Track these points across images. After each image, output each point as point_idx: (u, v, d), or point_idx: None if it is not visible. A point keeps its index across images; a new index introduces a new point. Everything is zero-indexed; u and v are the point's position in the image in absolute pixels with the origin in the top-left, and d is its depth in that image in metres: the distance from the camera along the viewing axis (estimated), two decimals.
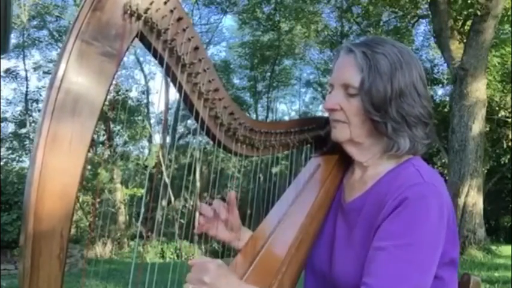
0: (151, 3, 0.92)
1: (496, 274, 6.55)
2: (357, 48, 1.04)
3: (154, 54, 0.97)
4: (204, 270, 0.91)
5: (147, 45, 0.96)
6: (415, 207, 0.94)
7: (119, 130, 19.03)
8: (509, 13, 10.71)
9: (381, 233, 0.95)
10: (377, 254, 0.93)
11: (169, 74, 1.01)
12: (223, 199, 1.22)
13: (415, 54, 1.09)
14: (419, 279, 0.91)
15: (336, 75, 1.08)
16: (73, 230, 15.64)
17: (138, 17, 0.91)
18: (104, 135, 16.90)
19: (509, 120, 13.89)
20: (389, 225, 0.95)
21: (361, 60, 1.02)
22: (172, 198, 16.69)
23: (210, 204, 1.17)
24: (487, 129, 12.60)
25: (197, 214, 1.16)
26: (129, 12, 0.89)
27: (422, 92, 1.03)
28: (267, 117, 22.76)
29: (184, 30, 0.98)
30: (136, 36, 0.92)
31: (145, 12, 0.91)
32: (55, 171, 0.81)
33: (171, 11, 0.95)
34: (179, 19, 0.97)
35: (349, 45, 1.07)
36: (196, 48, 1.01)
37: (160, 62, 0.98)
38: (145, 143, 22.12)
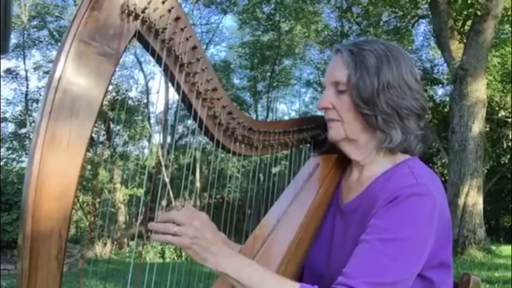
0: (149, 3, 0.92)
1: (496, 274, 6.54)
2: (344, 47, 1.07)
3: (153, 53, 0.97)
4: (195, 215, 0.92)
5: (145, 45, 0.96)
6: (405, 205, 0.94)
7: (119, 130, 19.02)
8: (509, 13, 10.70)
9: (369, 228, 0.95)
10: (361, 246, 0.93)
11: (167, 73, 1.01)
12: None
13: (406, 52, 1.10)
14: (398, 275, 0.90)
15: (326, 76, 1.11)
16: (73, 230, 15.65)
17: (136, 17, 0.91)
18: (103, 135, 16.90)
19: (509, 120, 13.89)
20: (378, 220, 0.95)
21: (348, 57, 1.05)
22: (172, 198, 16.68)
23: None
24: (487, 129, 12.60)
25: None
26: (126, 11, 0.89)
27: (414, 85, 1.04)
28: (267, 117, 22.74)
29: (182, 29, 0.98)
30: (134, 35, 0.92)
31: (143, 12, 0.91)
32: (53, 172, 0.81)
33: (169, 11, 0.95)
34: (177, 19, 0.97)
35: (337, 46, 1.10)
36: (194, 47, 1.01)
37: (159, 61, 0.98)
38: (145, 143, 22.12)
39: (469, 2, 9.37)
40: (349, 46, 1.07)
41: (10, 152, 19.10)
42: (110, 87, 0.88)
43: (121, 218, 17.55)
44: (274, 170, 1.36)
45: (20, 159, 18.70)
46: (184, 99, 1.04)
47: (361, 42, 1.07)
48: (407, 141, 1.04)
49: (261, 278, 0.90)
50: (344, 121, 1.07)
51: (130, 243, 14.96)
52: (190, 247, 0.89)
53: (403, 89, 1.03)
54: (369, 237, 0.93)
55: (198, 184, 17.00)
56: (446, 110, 13.78)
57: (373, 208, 0.98)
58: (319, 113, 1.19)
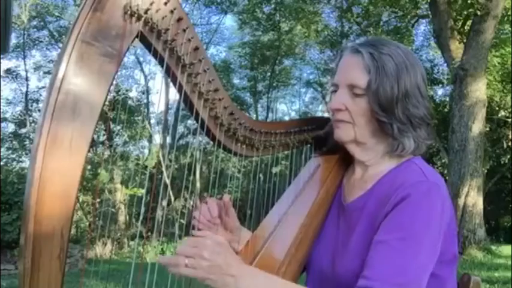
0: (151, 4, 0.92)
1: (496, 274, 6.55)
2: (364, 48, 1.04)
3: (155, 54, 0.97)
4: (202, 244, 0.87)
5: (147, 46, 0.96)
6: (418, 204, 0.94)
7: (119, 130, 19.02)
8: (509, 13, 10.72)
9: (383, 228, 0.96)
10: (377, 247, 0.94)
11: (169, 74, 1.01)
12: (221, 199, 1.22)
13: (416, 56, 1.09)
14: (417, 273, 0.91)
15: (341, 76, 1.07)
16: (73, 230, 15.63)
17: (139, 18, 0.91)
18: (104, 135, 16.90)
19: (509, 120, 13.90)
20: (391, 219, 0.95)
21: (369, 61, 1.02)
22: (172, 198, 16.69)
23: (207, 203, 1.17)
24: (487, 129, 12.60)
25: (196, 214, 1.15)
26: (129, 12, 0.89)
27: (425, 93, 1.05)
28: (267, 117, 22.74)
29: (184, 30, 0.98)
30: (137, 36, 0.92)
31: (146, 13, 0.91)
32: (55, 172, 0.81)
33: (171, 12, 0.95)
34: (179, 19, 0.97)
35: (355, 46, 1.07)
36: (196, 48, 1.01)
37: (161, 62, 0.98)
38: (145, 143, 22.13)
39: (469, 2, 9.38)
40: (369, 48, 1.03)
41: (10, 152, 19.09)
42: (111, 88, 0.88)
43: (121, 218, 17.54)
44: (275, 170, 1.36)
45: (20, 159, 18.71)
46: (186, 99, 1.05)
47: (378, 43, 1.05)
48: (418, 149, 1.05)
49: None
50: (356, 124, 1.06)
51: (131, 243, 14.96)
52: (208, 277, 0.87)
53: (417, 97, 1.03)
54: (384, 237, 0.94)
55: (198, 184, 16.99)
56: (446, 110, 13.79)
57: (384, 206, 0.98)
58: (319, 114, 1.19)
